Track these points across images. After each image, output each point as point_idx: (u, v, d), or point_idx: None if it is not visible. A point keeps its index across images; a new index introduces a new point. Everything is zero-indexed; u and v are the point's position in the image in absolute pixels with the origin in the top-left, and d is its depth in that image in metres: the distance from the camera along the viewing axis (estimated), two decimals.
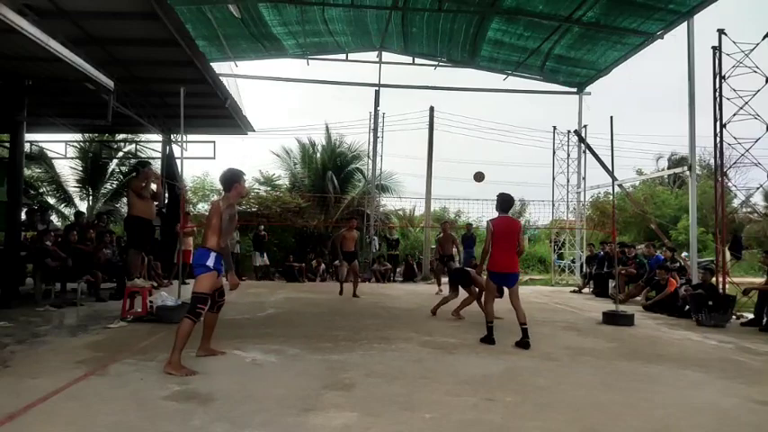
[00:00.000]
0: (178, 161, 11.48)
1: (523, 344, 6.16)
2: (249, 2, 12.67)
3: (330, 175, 20.87)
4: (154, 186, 8.15)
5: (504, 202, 6.62)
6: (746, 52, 9.99)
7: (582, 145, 16.83)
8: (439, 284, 12.67)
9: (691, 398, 4.44)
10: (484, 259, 6.62)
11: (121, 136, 18.64)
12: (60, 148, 16.02)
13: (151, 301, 7.62)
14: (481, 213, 19.81)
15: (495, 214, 6.74)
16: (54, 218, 17.80)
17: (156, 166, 13.61)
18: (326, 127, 23.00)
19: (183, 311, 7.25)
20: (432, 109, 19.04)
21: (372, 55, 17.52)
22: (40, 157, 17.92)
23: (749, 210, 21.40)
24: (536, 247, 26.10)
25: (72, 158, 18.88)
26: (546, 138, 18.84)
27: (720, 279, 10.05)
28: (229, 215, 4.92)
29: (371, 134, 18.36)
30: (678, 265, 11.92)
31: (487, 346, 6.30)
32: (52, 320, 7.27)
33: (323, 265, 16.46)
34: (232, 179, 5.03)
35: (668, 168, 30.59)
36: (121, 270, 9.54)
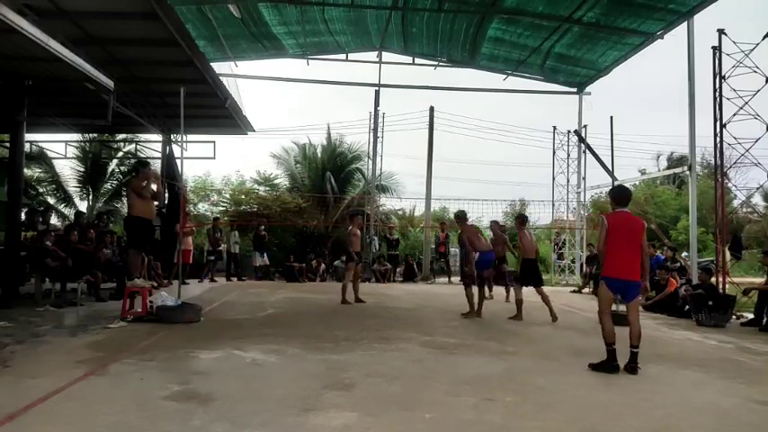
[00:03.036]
0: (178, 161, 11.49)
1: (631, 368, 5.12)
2: (249, 2, 12.67)
3: (328, 175, 20.87)
4: (154, 186, 8.14)
5: (620, 195, 5.59)
6: (746, 52, 10.00)
7: (582, 145, 16.85)
8: (491, 290, 11.07)
9: (691, 398, 4.44)
10: (602, 262, 5.43)
11: (121, 136, 18.63)
12: (60, 148, 16.02)
13: (151, 301, 7.62)
14: (481, 213, 19.74)
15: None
16: (54, 219, 17.78)
17: (156, 166, 13.61)
18: (327, 127, 23.04)
19: (183, 311, 7.32)
20: (432, 109, 19.04)
21: (372, 55, 17.55)
22: (40, 157, 17.92)
23: (749, 210, 21.40)
24: None
25: (72, 158, 18.88)
26: (546, 138, 18.86)
27: (720, 279, 10.05)
28: None
29: (371, 134, 18.36)
30: (678, 265, 11.92)
31: (487, 345, 6.29)
32: (52, 320, 7.26)
33: (323, 265, 16.46)
34: None
35: (668, 168, 30.59)
36: (121, 270, 9.54)
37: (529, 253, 8.78)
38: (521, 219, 9.67)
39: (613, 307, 8.84)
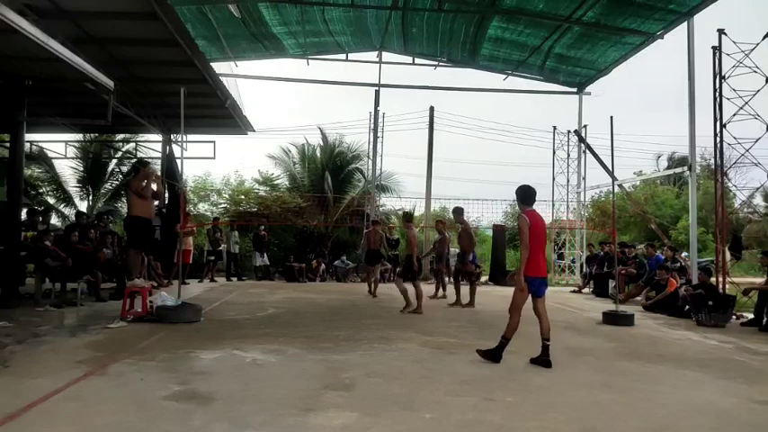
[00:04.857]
0: (178, 161, 11.48)
1: (544, 362, 5.32)
2: (249, 2, 12.67)
3: (326, 175, 20.86)
4: (154, 186, 8.14)
5: (531, 195, 5.68)
6: (746, 52, 9.99)
7: (582, 145, 16.84)
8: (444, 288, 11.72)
9: (691, 398, 4.43)
10: (524, 262, 5.37)
11: (121, 136, 18.63)
12: (60, 148, 16.03)
13: (151, 301, 7.62)
14: (480, 213, 19.78)
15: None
16: (54, 219, 17.77)
17: (156, 166, 13.60)
18: (325, 127, 22.97)
19: (183, 312, 7.32)
20: (432, 109, 19.06)
21: (372, 55, 17.55)
22: (40, 157, 17.92)
23: (750, 210, 21.40)
24: None
25: (72, 158, 18.88)
26: (546, 138, 18.89)
27: (720, 279, 10.05)
28: None
29: (371, 134, 18.36)
30: (678, 265, 11.92)
31: (487, 346, 6.26)
32: (52, 320, 7.26)
33: (323, 265, 16.46)
34: None
35: (668, 168, 30.58)
36: (121, 270, 9.54)
37: (413, 249, 9.45)
38: (407, 217, 10.18)
39: (613, 307, 8.93)
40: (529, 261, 5.34)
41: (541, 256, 5.51)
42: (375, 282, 11.64)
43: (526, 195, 5.68)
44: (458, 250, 12.22)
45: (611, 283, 12.72)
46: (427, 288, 12.41)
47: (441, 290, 11.62)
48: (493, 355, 5.41)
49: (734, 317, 9.17)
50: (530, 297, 5.44)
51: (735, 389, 4.73)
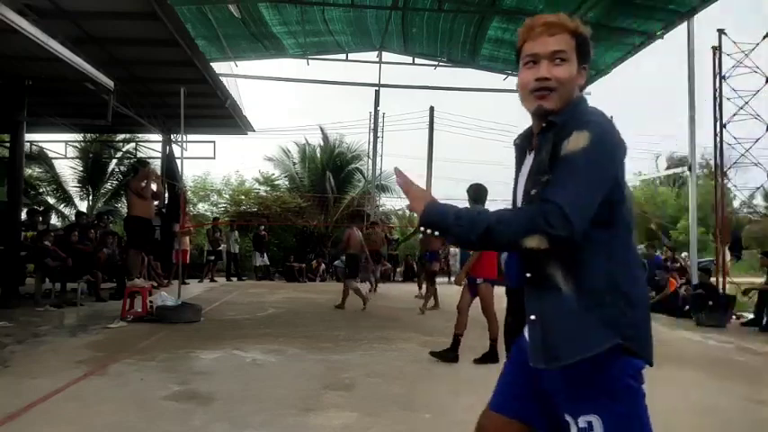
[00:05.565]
0: (178, 161, 11.49)
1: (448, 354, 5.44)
2: (249, 2, 12.67)
3: (328, 175, 20.87)
4: (154, 186, 8.15)
5: (483, 193, 5.48)
6: (746, 52, 10.00)
7: None
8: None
9: (691, 398, 4.43)
10: (475, 263, 5.40)
11: (121, 136, 18.63)
12: (60, 148, 16.02)
13: (151, 301, 7.62)
14: None
15: None
16: (54, 219, 17.76)
17: (156, 165, 13.61)
18: (325, 127, 23.00)
19: (183, 312, 7.32)
20: (432, 109, 19.07)
21: (372, 55, 17.54)
22: (40, 157, 17.91)
23: (750, 210, 21.39)
24: None
25: (72, 158, 18.88)
26: None
27: (720, 279, 10.05)
28: None
29: (371, 134, 18.38)
30: (678, 265, 11.93)
31: (487, 345, 6.28)
32: (52, 320, 7.26)
33: (323, 265, 16.47)
34: None
35: (668, 168, 30.55)
36: (121, 270, 9.54)
37: (355, 249, 9.72)
38: (353, 217, 10.20)
39: None
40: (486, 263, 5.35)
41: (495, 258, 5.41)
42: (375, 281, 11.75)
43: (478, 194, 5.44)
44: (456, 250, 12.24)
45: None
46: (424, 287, 12.46)
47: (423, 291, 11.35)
48: (489, 358, 5.39)
49: (734, 317, 9.18)
50: (471, 295, 5.56)
51: (735, 389, 4.73)
